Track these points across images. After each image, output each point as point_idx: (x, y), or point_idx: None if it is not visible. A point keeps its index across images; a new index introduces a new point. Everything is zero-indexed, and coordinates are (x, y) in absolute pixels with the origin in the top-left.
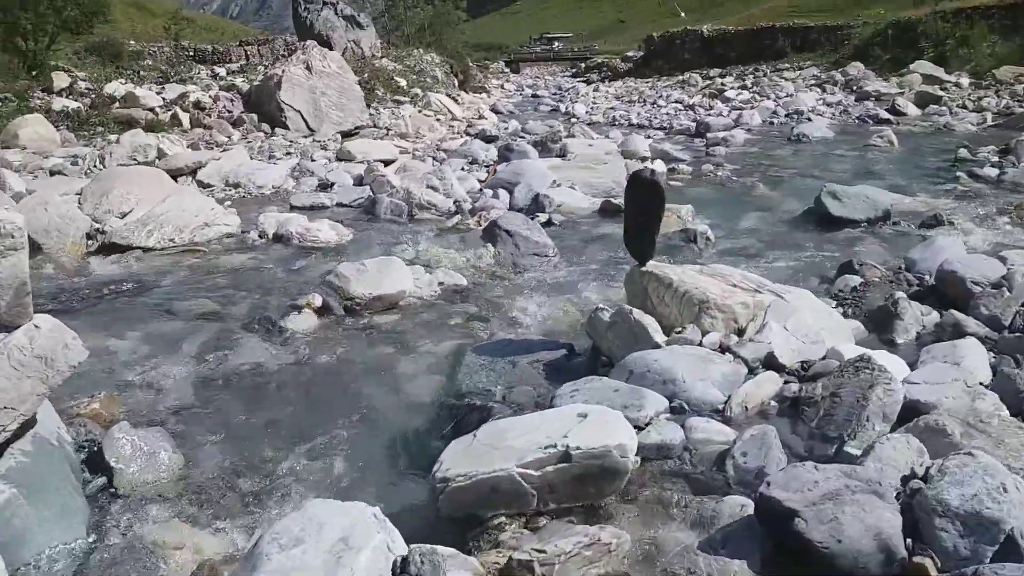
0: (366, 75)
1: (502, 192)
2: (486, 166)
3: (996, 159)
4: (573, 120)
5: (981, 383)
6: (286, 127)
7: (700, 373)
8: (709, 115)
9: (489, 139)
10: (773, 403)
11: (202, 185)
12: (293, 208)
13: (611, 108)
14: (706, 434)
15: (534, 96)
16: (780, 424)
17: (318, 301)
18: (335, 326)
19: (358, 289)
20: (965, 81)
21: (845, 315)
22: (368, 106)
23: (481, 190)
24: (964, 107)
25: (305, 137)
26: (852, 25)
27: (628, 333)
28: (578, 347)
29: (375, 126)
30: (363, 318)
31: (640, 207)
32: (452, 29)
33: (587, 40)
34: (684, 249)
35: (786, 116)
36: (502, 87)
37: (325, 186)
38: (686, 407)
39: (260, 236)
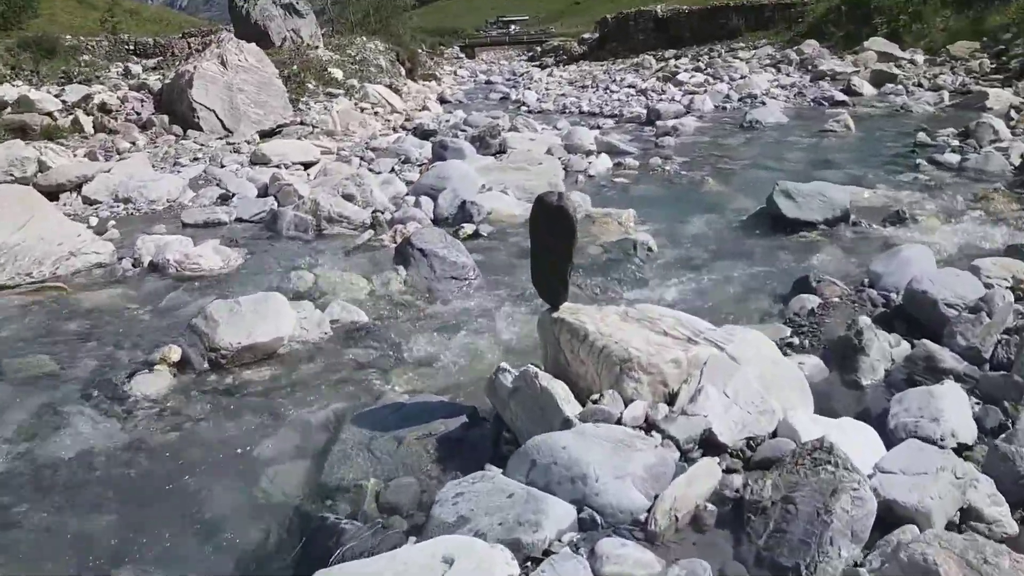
0: (295, 67)
1: (425, 200)
2: (419, 165)
3: (956, 143)
4: (522, 108)
5: (966, 445)
6: (200, 129)
7: (618, 467)
8: (661, 100)
9: (426, 134)
10: (710, 506)
11: (88, 202)
12: (185, 226)
13: (562, 95)
14: (620, 567)
15: (487, 83)
16: (718, 543)
17: (176, 354)
18: (191, 388)
19: (225, 337)
20: (920, 58)
21: (801, 346)
22: (297, 101)
23: (404, 197)
24: (920, 85)
25: (220, 139)
26: (806, 2)
27: (533, 403)
28: (483, 409)
29: (302, 123)
30: (229, 374)
31: (547, 239)
32: (399, 15)
33: (544, 23)
34: (623, 263)
35: (739, 100)
36: (455, 74)
37: (227, 197)
38: (598, 519)
39: (134, 265)
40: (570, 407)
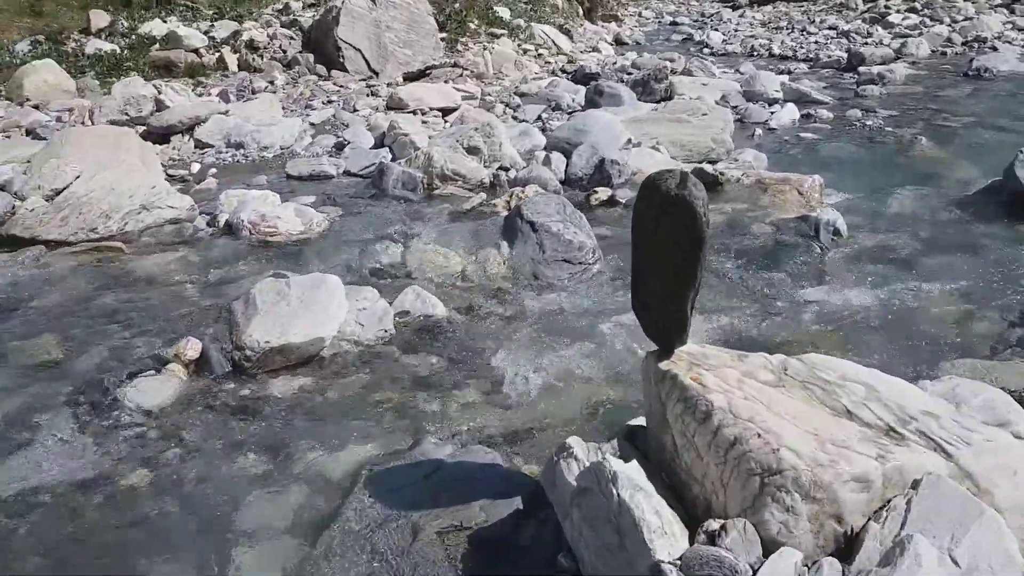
0: (457, 4)
1: (557, 156)
2: (570, 113)
3: None
4: (704, 49)
5: None
6: (344, 69)
7: None
8: (866, 44)
9: (587, 78)
10: None
11: (200, 145)
12: (289, 178)
13: (751, 36)
14: None
15: (672, 24)
16: None
17: (195, 351)
18: (198, 401)
19: (255, 333)
20: None
21: None
22: (456, 42)
23: (536, 153)
24: None
25: (363, 80)
26: None
27: (607, 520)
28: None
29: (455, 65)
30: (249, 384)
31: (659, 246)
32: None
33: None
34: (798, 250)
35: (963, 45)
36: (639, 15)
37: (342, 146)
38: None
39: (209, 224)
40: (665, 543)
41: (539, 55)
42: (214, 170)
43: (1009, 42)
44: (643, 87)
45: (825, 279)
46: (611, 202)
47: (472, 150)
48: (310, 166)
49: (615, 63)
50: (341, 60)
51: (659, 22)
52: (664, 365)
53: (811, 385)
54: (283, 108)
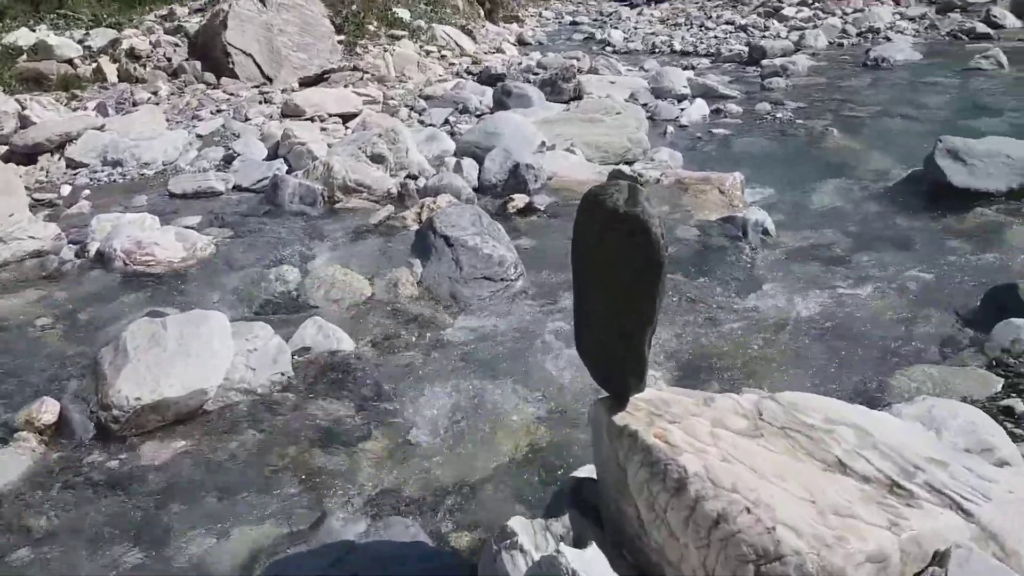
0: (354, 6)
1: (469, 162)
2: (478, 115)
3: None
4: (607, 48)
5: None
6: (235, 76)
7: None
8: (764, 37)
9: (493, 79)
10: None
11: (71, 165)
12: (172, 196)
13: (652, 34)
14: None
15: (572, 23)
16: None
17: (51, 414)
18: (57, 476)
19: (123, 389)
20: None
21: None
22: (354, 45)
23: (447, 159)
24: None
25: (256, 87)
26: None
27: None
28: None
29: (355, 68)
30: (120, 451)
31: (607, 275)
32: None
33: None
34: (727, 254)
35: (858, 36)
36: (540, 15)
37: (231, 159)
38: None
39: (78, 255)
40: None
41: (442, 57)
42: (88, 192)
43: (901, 32)
44: (551, 87)
45: (759, 283)
46: (529, 209)
47: (376, 158)
48: (195, 182)
49: (520, 63)
50: (231, 66)
51: (559, 22)
52: (620, 419)
53: (793, 432)
54: (167, 120)
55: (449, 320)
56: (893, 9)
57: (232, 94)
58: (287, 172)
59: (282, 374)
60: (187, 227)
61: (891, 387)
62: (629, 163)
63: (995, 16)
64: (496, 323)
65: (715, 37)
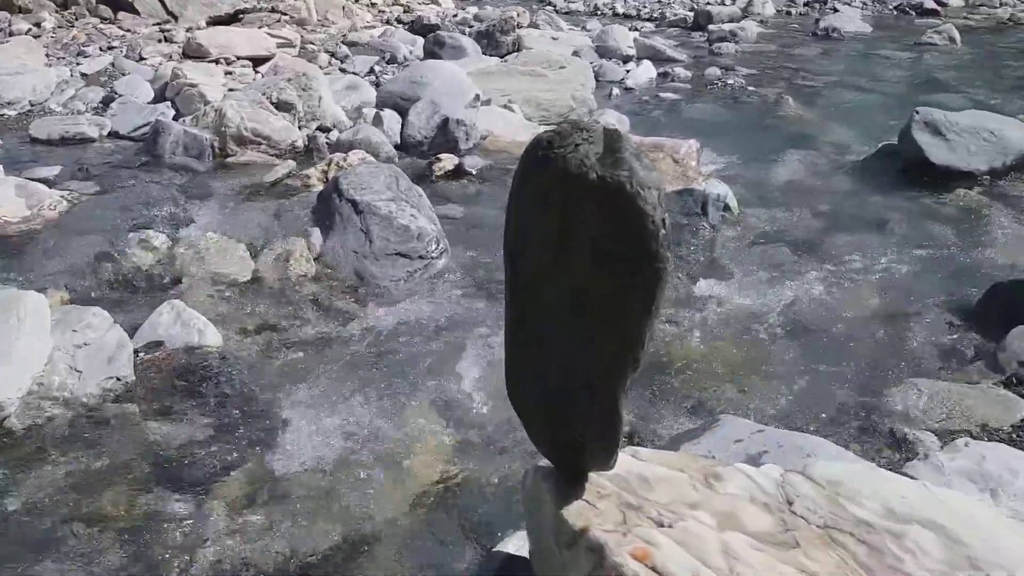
0: None
1: (391, 115)
2: (406, 66)
3: None
4: (548, 7)
5: None
6: (135, 11)
7: None
8: (709, 4)
9: (425, 29)
10: None
11: None
12: (35, 141)
13: None
14: None
15: None
16: None
17: None
18: None
19: None
20: None
21: None
22: None
23: (365, 110)
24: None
25: (157, 24)
26: None
27: None
28: None
29: (273, 10)
30: None
31: (572, 281)
32: None
33: None
34: (686, 230)
35: (805, 5)
36: None
37: (110, 101)
38: None
39: None
40: None
41: (372, 4)
42: None
43: (848, 3)
44: (488, 39)
45: (723, 272)
46: (458, 173)
47: (283, 106)
48: (63, 126)
49: (456, 16)
50: (130, 0)
51: None
52: (575, 515)
53: (842, 535)
54: (48, 56)
55: (352, 307)
56: None
57: (128, 30)
58: (173, 118)
59: (119, 379)
60: (39, 179)
61: (894, 411)
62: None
63: None
64: (411, 312)
65: (659, 2)
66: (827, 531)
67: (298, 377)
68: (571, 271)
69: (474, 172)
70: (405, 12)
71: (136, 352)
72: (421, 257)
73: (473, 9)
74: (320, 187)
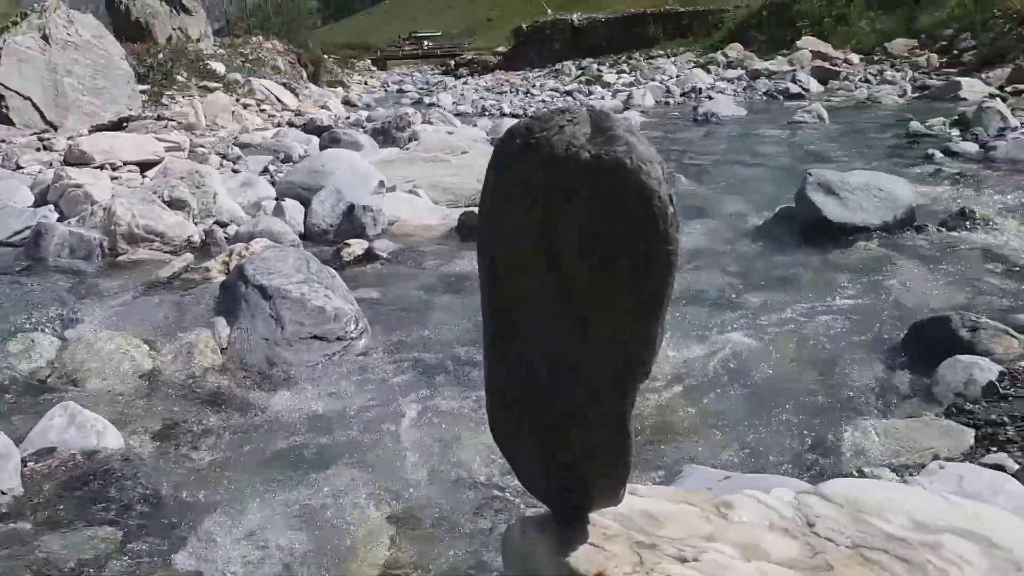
0: (160, 55)
1: (293, 204)
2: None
3: (957, 132)
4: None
5: None
6: (10, 122)
7: None
8: (591, 99)
9: (319, 130)
10: None
11: None
12: None
13: (481, 98)
14: None
15: (399, 91)
16: None
17: None
18: None
19: None
20: (855, 57)
21: None
22: (160, 95)
23: (264, 203)
24: (867, 81)
25: (36, 134)
26: (725, 10)
27: None
28: None
29: (159, 118)
30: None
31: (567, 282)
32: (302, 18)
33: (458, 38)
34: None
35: (682, 95)
36: (365, 83)
37: None
38: None
39: None
40: None
41: (262, 110)
42: None
43: (721, 92)
44: (384, 135)
45: None
46: (369, 257)
47: (176, 203)
48: None
49: (348, 117)
50: (4, 111)
51: (386, 89)
52: (582, 561)
53: (875, 553)
54: None
55: (265, 397)
56: (704, 75)
57: (2, 140)
58: (57, 220)
59: (3, 492)
60: None
61: (849, 450)
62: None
63: (800, 81)
64: (332, 398)
65: (542, 101)
66: (858, 551)
67: (209, 477)
68: (557, 273)
69: (386, 255)
70: (296, 115)
71: (24, 461)
72: (339, 339)
73: (365, 112)
74: (222, 278)
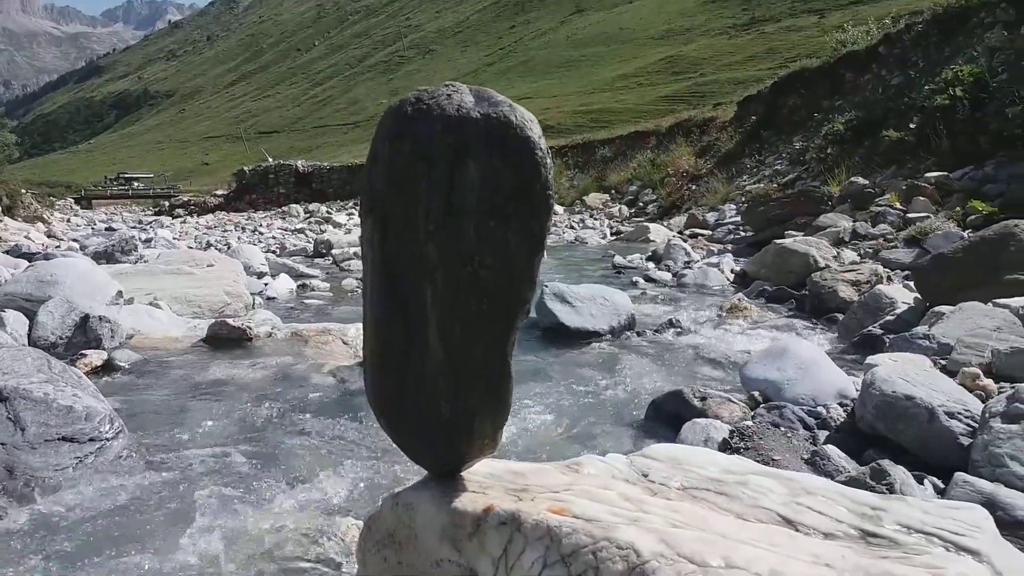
0: None
1: (15, 316)
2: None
3: (652, 264)
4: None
5: None
6: None
7: None
8: (324, 235)
9: (26, 255)
10: None
11: None
12: None
13: (204, 234)
14: None
15: (108, 229)
16: None
17: None
18: None
19: None
20: (559, 208)
21: None
22: None
23: None
24: (572, 227)
25: None
26: None
27: None
28: None
29: None
30: None
31: (441, 232)
32: None
33: (170, 181)
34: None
35: None
36: (68, 220)
37: None
38: None
39: None
40: None
41: None
42: None
43: None
44: (107, 258)
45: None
46: (109, 367)
47: None
48: None
49: (60, 245)
50: None
51: (92, 228)
52: (468, 503)
53: (701, 492)
54: None
55: (10, 509)
56: None
57: None
58: None
59: None
60: None
61: None
62: (230, 320)
63: None
64: (87, 502)
65: (274, 237)
66: (687, 491)
67: None
68: (460, 221)
69: (127, 366)
70: None
71: None
72: (92, 439)
73: (75, 243)
74: None
